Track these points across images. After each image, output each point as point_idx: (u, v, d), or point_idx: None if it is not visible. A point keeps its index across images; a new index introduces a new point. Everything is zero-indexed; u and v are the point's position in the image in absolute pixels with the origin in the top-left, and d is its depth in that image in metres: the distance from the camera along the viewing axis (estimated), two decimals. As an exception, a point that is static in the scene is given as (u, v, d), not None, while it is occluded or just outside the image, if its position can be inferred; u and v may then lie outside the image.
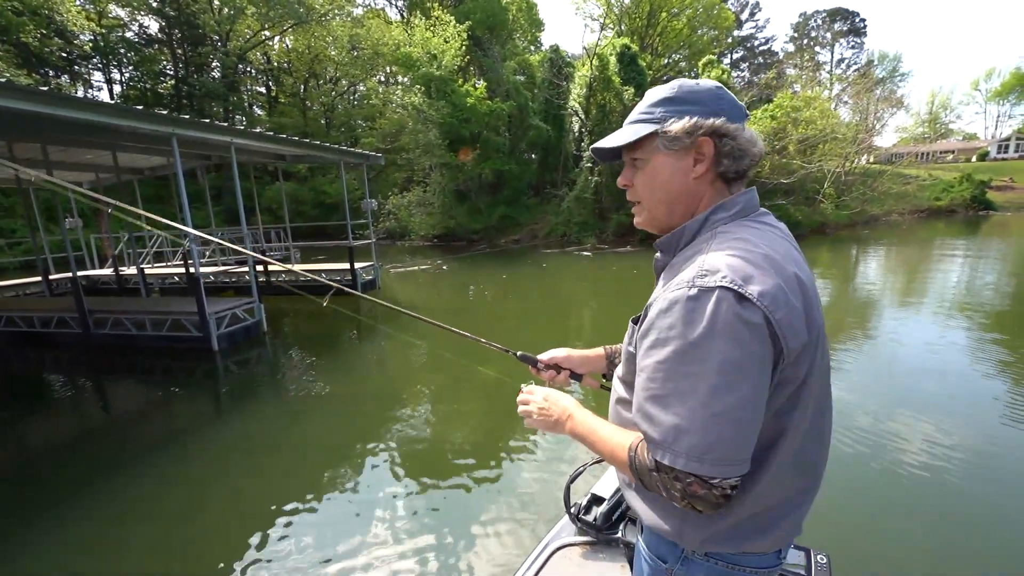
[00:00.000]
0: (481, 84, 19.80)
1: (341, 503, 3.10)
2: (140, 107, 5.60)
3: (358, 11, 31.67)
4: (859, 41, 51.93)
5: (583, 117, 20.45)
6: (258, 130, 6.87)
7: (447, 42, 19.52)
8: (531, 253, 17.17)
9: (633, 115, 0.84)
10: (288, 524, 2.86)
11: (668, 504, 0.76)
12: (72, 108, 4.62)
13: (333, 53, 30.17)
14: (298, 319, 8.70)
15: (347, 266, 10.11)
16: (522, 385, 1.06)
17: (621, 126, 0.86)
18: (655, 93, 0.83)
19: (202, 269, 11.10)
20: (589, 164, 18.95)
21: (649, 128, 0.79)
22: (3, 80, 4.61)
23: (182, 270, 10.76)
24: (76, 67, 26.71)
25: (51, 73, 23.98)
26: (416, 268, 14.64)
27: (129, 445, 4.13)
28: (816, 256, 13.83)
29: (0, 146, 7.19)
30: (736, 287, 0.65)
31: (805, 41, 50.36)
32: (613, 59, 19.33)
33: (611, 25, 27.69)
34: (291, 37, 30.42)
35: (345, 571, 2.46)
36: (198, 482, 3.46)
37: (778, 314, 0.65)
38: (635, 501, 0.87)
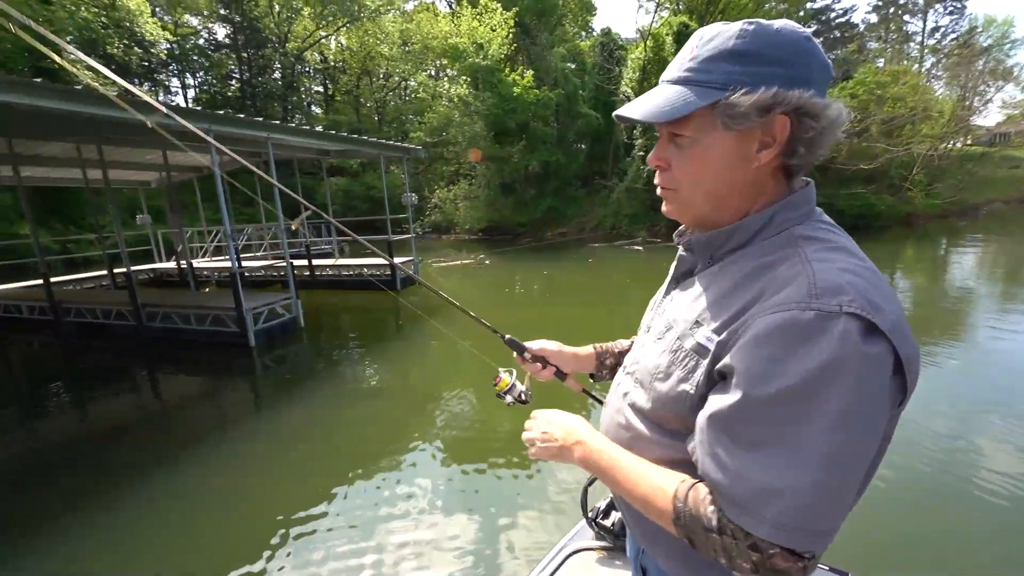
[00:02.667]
0: (528, 73, 19.25)
1: (373, 494, 3.09)
2: (170, 104, 5.64)
3: (409, 6, 32.04)
4: (959, 5, 45.86)
5: (635, 103, 19.41)
6: (293, 125, 6.80)
7: (493, 31, 19.14)
8: (578, 247, 16.57)
9: (677, 69, 0.64)
10: (322, 515, 2.89)
11: (706, 561, 0.63)
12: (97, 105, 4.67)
13: (384, 49, 30.69)
14: (337, 313, 8.75)
15: (389, 260, 10.06)
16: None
17: None
18: (713, 38, 0.61)
19: (247, 264, 11.55)
20: (641, 152, 17.99)
21: (705, 97, 0.60)
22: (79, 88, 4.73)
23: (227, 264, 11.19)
24: (156, 75, 28.93)
25: (135, 81, 26.05)
26: (458, 263, 14.51)
27: (161, 438, 4.16)
28: (899, 251, 12.26)
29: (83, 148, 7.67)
30: (866, 315, 0.51)
31: (892, 10, 45.21)
32: (669, 39, 18.13)
33: (668, 4, 26.17)
34: (345, 36, 31.26)
35: (378, 559, 2.48)
36: (232, 478, 3.38)
37: (905, 350, 0.54)
38: (652, 543, 0.76)
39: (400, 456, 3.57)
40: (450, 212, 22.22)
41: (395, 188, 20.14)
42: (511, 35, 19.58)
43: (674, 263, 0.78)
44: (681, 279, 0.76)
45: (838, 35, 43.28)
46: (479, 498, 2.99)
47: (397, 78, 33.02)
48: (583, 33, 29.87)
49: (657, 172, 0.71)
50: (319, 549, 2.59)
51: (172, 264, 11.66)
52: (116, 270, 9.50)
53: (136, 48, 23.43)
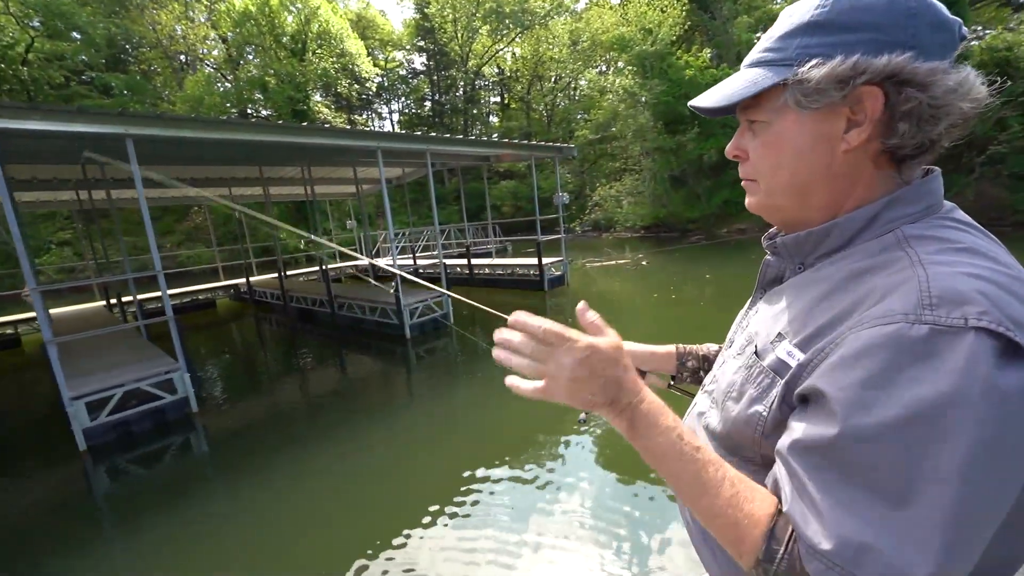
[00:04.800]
0: (704, 53, 17.34)
1: (522, 487, 3.15)
2: (350, 127, 6.57)
3: (580, 5, 32.13)
4: None
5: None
6: (447, 136, 7.32)
7: (663, 12, 17.76)
8: (756, 246, 14.25)
9: (753, 52, 0.60)
10: (470, 498, 3.07)
11: None
12: (276, 134, 5.67)
13: (555, 52, 31.44)
14: (487, 309, 9.19)
15: (538, 261, 10.19)
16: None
17: None
18: (794, 13, 0.56)
19: (423, 262, 12.98)
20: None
21: (773, 76, 0.55)
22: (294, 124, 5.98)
23: (409, 262, 12.76)
24: (372, 105, 35.21)
25: (354, 112, 32.12)
26: (614, 262, 13.88)
27: (318, 414, 4.90)
28: None
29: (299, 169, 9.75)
30: (1004, 330, 0.41)
31: None
32: None
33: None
34: (518, 45, 33.04)
35: (520, 555, 2.52)
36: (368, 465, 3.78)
37: None
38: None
39: (540, 448, 3.64)
40: (611, 209, 21.54)
41: (562, 188, 20.49)
42: (684, 12, 17.89)
43: (761, 269, 0.71)
44: (768, 287, 0.69)
45: None
46: (630, 517, 2.78)
47: (567, 79, 33.56)
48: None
49: (739, 165, 0.65)
50: (452, 534, 2.72)
51: (365, 261, 13.93)
52: (330, 266, 11.75)
53: (355, 85, 28.80)
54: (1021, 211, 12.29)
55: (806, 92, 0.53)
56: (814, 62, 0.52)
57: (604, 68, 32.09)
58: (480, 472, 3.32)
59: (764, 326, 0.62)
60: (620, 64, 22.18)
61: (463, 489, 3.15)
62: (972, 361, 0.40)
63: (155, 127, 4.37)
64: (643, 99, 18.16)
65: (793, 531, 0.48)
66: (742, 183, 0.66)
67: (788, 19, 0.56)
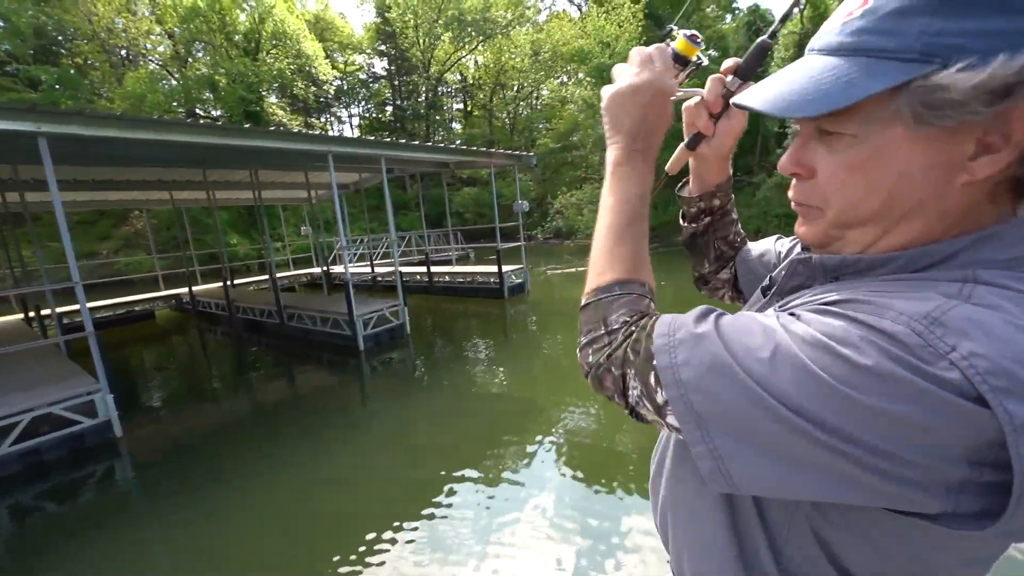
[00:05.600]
0: (659, 66, 17.98)
1: (476, 499, 3.11)
2: (299, 131, 6.29)
3: (542, 17, 32.65)
4: None
5: (789, 85, 16.68)
6: (403, 141, 7.15)
7: (620, 27, 18.29)
8: (711, 253, 14.78)
9: (835, 31, 0.43)
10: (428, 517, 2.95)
11: None
12: (236, 137, 5.36)
13: (516, 61, 31.75)
14: (446, 319, 9.01)
15: (497, 269, 10.12)
16: None
17: None
18: None
19: (380, 269, 12.64)
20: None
21: (885, 76, 0.39)
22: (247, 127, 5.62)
23: (367, 270, 12.41)
24: (331, 108, 34.31)
25: (312, 115, 31.20)
26: (575, 270, 14.02)
27: (265, 432, 4.58)
28: None
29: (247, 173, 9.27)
30: (987, 384, 0.32)
31: None
32: (835, 5, 15.16)
33: (838, -36, 22.11)
34: (480, 54, 33.16)
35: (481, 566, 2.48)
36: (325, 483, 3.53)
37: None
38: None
39: (494, 463, 3.52)
40: (572, 217, 21.85)
41: (524, 195, 20.64)
42: (641, 28, 18.48)
43: (783, 271, 0.58)
44: (787, 293, 0.54)
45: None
46: (588, 518, 2.80)
47: (529, 88, 33.93)
48: (727, 16, 26.94)
49: (796, 184, 0.51)
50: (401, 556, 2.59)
51: (318, 270, 13.42)
52: (283, 275, 11.23)
53: (312, 87, 28.00)
54: None
55: (936, 104, 0.37)
56: (962, 63, 0.35)
57: (565, 79, 32.69)
58: (439, 488, 3.21)
59: None
60: (580, 75, 22.64)
61: (421, 506, 3.01)
62: (926, 390, 0.33)
63: (74, 125, 3.98)
64: (600, 109, 18.59)
65: (649, 311, 0.53)
66: (794, 206, 0.52)
67: None
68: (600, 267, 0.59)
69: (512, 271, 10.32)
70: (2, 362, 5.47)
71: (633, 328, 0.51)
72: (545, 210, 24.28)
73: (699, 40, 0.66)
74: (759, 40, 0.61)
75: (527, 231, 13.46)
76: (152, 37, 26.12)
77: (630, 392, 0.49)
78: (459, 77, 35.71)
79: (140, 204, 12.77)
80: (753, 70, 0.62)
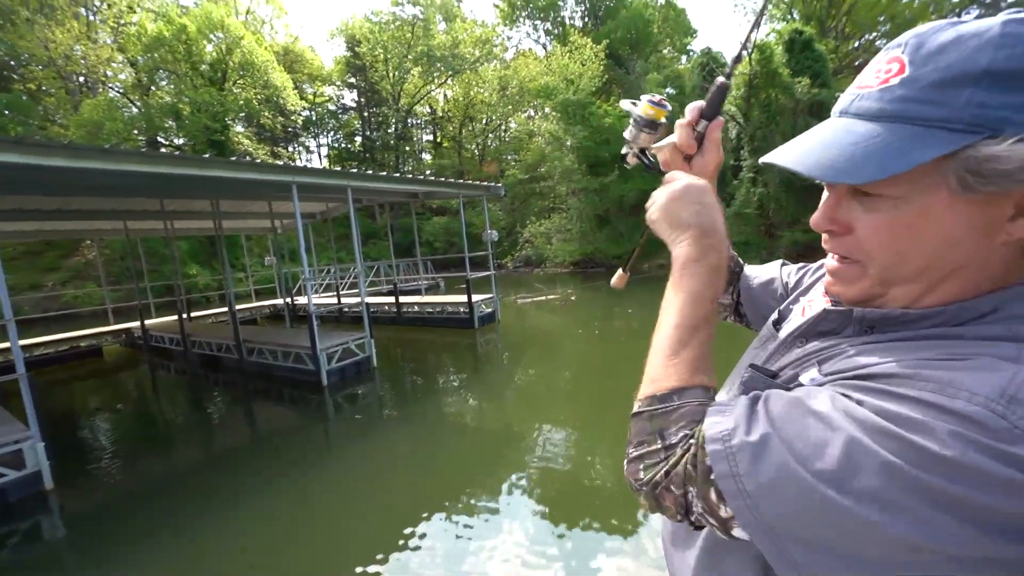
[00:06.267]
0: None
1: (448, 537, 3.03)
2: (261, 161, 6.19)
3: (509, 54, 33.88)
4: None
5: (741, 122, 17.76)
6: (371, 172, 7.15)
7: (583, 65, 19.16)
8: (676, 280, 15.21)
9: (875, 98, 0.44)
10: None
11: None
12: (194, 167, 5.23)
13: (484, 95, 32.65)
14: (416, 351, 8.83)
15: (467, 298, 10.06)
16: None
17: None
18: (944, 47, 0.40)
19: (347, 300, 12.36)
20: (751, 174, 16.25)
21: (934, 145, 0.40)
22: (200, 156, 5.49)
23: (334, 301, 12.10)
24: (300, 137, 34.13)
25: (279, 144, 30.91)
26: (544, 298, 14.10)
27: (220, 477, 4.28)
28: None
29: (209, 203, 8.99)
30: None
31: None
32: (780, 49, 16.42)
33: (779, 17, 24.02)
34: (449, 88, 33.97)
35: None
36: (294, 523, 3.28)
37: None
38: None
39: (473, 498, 3.43)
40: (541, 246, 22.16)
41: (492, 224, 20.82)
42: (602, 67, 19.41)
43: (809, 312, 0.58)
44: (813, 338, 0.55)
45: (1014, 19, 35.85)
46: (563, 547, 2.80)
47: (497, 121, 34.81)
48: (683, 57, 28.72)
49: (826, 235, 0.51)
50: None
51: (281, 301, 13.01)
52: (245, 306, 10.79)
53: (280, 117, 27.86)
54: None
55: (985, 173, 0.39)
56: (1015, 138, 0.37)
57: (532, 112, 33.76)
58: (408, 528, 3.09)
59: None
60: (547, 110, 23.46)
61: (388, 548, 2.88)
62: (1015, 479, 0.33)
63: (12, 153, 3.79)
64: (568, 143, 19.19)
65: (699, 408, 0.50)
66: (832, 258, 0.52)
67: (935, 55, 0.41)
68: (658, 373, 0.55)
69: (482, 300, 10.27)
70: (-82, 408, 4.97)
71: (692, 441, 0.48)
72: (515, 239, 24.55)
73: (664, 103, 0.72)
74: (719, 81, 0.66)
75: (497, 260, 13.50)
76: (113, 65, 25.57)
77: (693, 510, 0.47)
78: (428, 110, 36.34)
79: (91, 234, 12.17)
80: (718, 110, 0.67)
